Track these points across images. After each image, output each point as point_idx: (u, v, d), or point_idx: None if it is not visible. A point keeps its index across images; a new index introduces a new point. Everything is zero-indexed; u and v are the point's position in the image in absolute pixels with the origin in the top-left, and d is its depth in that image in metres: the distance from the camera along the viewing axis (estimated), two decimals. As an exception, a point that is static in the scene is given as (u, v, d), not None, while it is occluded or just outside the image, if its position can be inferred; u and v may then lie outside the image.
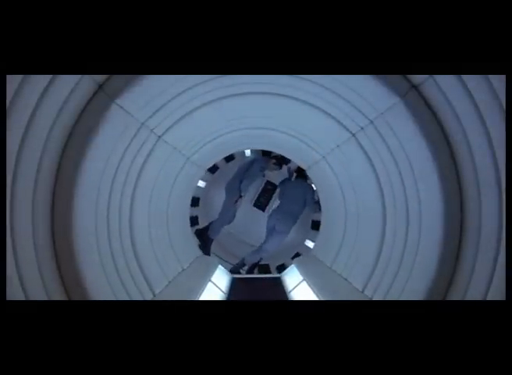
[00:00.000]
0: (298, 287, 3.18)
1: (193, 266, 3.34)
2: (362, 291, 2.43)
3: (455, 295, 1.67)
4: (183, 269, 3.07)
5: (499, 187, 1.41)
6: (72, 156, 1.62)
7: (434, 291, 1.74)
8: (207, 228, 4.50)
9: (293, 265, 3.96)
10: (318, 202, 4.17)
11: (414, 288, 1.87)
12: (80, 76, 1.48)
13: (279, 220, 4.32)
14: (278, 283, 3.59)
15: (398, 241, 2.14)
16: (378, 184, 2.31)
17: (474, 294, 1.53)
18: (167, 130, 2.28)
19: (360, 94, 1.93)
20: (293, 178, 4.62)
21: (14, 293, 1.31)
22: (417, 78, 1.67)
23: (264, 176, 5.31)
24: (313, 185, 4.32)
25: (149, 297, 2.25)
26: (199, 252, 3.94)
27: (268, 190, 5.82)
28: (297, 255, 5.17)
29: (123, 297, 1.97)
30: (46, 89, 1.35)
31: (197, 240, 4.37)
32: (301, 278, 3.27)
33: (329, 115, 2.29)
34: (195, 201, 5.43)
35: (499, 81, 1.27)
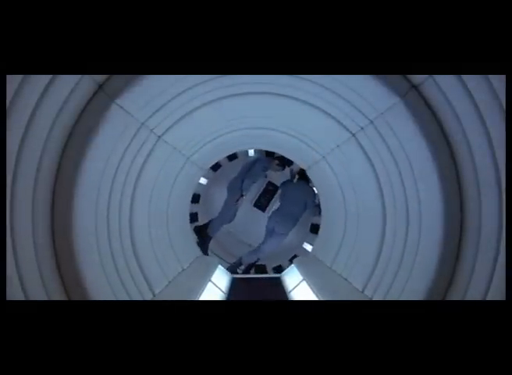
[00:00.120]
0: (298, 287, 3.18)
1: (193, 266, 3.34)
2: (362, 291, 2.43)
3: (455, 295, 1.67)
4: (183, 269, 3.07)
5: (499, 187, 1.41)
6: (72, 156, 1.62)
7: (434, 291, 1.74)
8: (206, 225, 4.51)
9: (292, 265, 3.96)
10: (318, 206, 4.16)
11: (414, 288, 1.87)
12: (79, 76, 1.48)
13: (279, 222, 4.32)
14: (278, 283, 3.59)
15: (398, 241, 2.14)
16: (378, 184, 2.31)
17: (474, 294, 1.53)
18: (167, 130, 2.28)
19: (360, 94, 1.93)
20: (295, 180, 4.62)
21: (14, 293, 1.31)
22: (417, 78, 1.67)
23: (266, 176, 5.31)
24: (314, 188, 4.31)
25: (149, 297, 2.25)
26: (199, 252, 3.94)
27: (270, 190, 5.82)
28: (295, 257, 5.16)
29: (123, 297, 1.97)
30: (46, 89, 1.35)
31: (196, 237, 4.38)
32: (301, 278, 3.27)
33: (329, 115, 2.29)
34: (196, 198, 5.43)
35: (499, 81, 1.27)
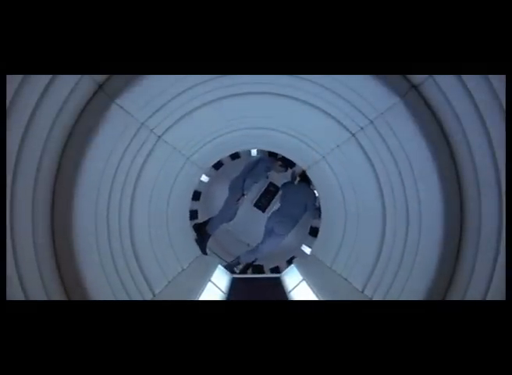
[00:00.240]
0: (298, 287, 3.18)
1: (193, 266, 3.34)
2: (362, 291, 2.43)
3: (455, 295, 1.67)
4: (183, 269, 3.07)
5: (499, 187, 1.41)
6: (72, 156, 1.62)
7: (434, 290, 1.74)
8: (206, 223, 4.51)
9: (292, 265, 3.96)
10: (318, 209, 4.16)
11: (413, 288, 1.87)
12: (79, 76, 1.48)
13: (278, 223, 4.33)
14: (277, 283, 3.59)
15: (398, 241, 2.14)
16: (378, 184, 2.31)
17: (474, 294, 1.53)
18: (167, 130, 2.28)
19: (360, 94, 1.93)
20: (296, 182, 4.62)
21: (14, 293, 1.31)
22: (417, 78, 1.66)
23: (268, 177, 5.32)
24: (315, 191, 4.31)
25: (149, 297, 2.25)
26: (199, 252, 3.94)
27: (270, 191, 5.84)
28: (293, 258, 5.16)
29: (123, 297, 1.97)
30: (46, 89, 1.35)
31: (195, 234, 4.38)
32: (301, 278, 3.27)
33: (329, 115, 2.29)
34: (196, 196, 5.43)
35: (499, 81, 1.27)
